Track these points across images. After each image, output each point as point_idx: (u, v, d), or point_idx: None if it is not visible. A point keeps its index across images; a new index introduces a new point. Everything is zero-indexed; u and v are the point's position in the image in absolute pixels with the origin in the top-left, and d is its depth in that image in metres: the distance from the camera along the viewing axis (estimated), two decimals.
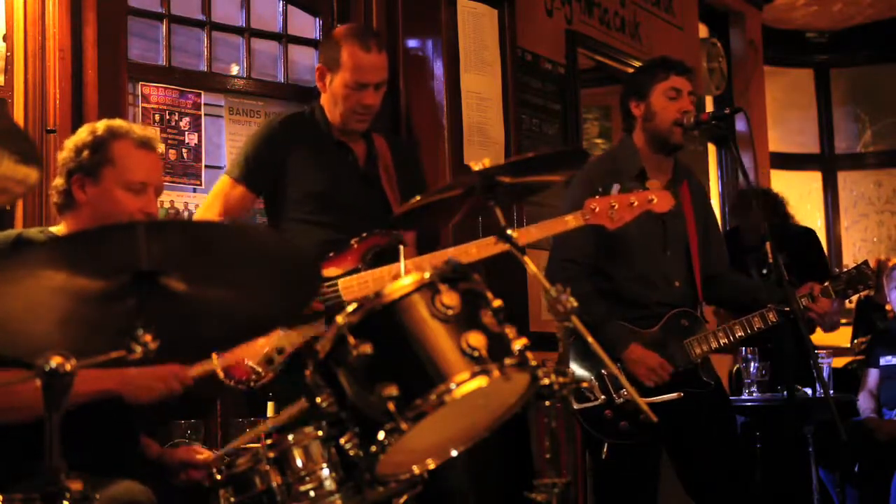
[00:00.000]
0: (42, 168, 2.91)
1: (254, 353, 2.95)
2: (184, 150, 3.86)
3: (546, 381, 1.88)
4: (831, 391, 4.24)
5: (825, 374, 4.42)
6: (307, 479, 1.92)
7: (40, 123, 3.28)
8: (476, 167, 2.10)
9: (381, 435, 1.79)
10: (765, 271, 3.71)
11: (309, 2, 4.31)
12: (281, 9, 4.26)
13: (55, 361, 1.48)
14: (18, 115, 3.24)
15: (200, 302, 1.69)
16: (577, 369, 3.35)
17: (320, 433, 1.93)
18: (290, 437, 1.94)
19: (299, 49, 4.34)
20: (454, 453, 2.01)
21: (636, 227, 3.35)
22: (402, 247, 2.65)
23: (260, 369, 2.94)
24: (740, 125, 6.13)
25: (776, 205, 5.38)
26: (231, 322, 1.80)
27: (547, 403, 1.91)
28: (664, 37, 5.72)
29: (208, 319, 1.76)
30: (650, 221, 3.45)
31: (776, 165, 7.29)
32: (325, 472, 1.92)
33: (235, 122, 4.03)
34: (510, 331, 1.89)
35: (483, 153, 4.08)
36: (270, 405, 2.80)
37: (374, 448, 1.80)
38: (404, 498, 1.97)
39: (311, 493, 1.91)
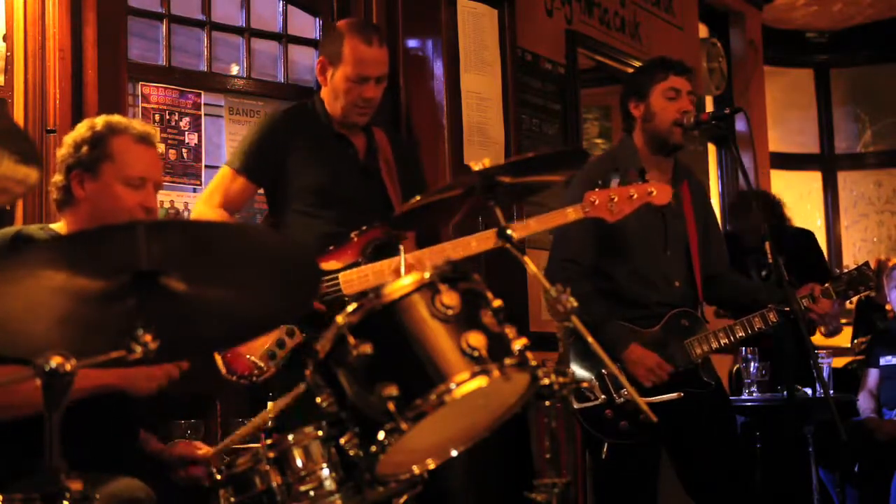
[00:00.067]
0: (42, 168, 2.91)
1: (255, 348, 2.96)
2: (184, 150, 3.86)
3: (546, 381, 1.88)
4: (831, 391, 4.24)
5: (825, 374, 4.42)
6: (307, 479, 1.92)
7: (40, 123, 3.28)
8: (476, 167, 2.10)
9: (381, 435, 1.79)
10: (764, 273, 3.72)
11: (309, 2, 4.31)
12: (281, 9, 4.26)
13: (55, 361, 1.48)
14: (18, 115, 3.24)
15: (200, 302, 1.69)
16: (577, 369, 3.35)
17: (320, 433, 1.93)
18: (290, 437, 1.94)
19: (299, 49, 4.34)
20: (454, 453, 2.01)
21: (636, 226, 3.35)
22: (401, 246, 2.65)
23: (262, 364, 2.95)
24: (740, 125, 6.13)
25: (773, 207, 5.38)
26: (231, 322, 1.80)
27: (547, 403, 1.91)
28: (664, 37, 5.72)
29: (208, 319, 1.76)
30: (650, 221, 3.45)
31: (776, 165, 7.29)
32: (325, 472, 1.92)
33: (235, 122, 4.03)
34: (510, 331, 1.89)
35: (483, 153, 4.08)
36: (270, 404, 2.80)
37: (374, 448, 1.80)
38: (404, 498, 1.97)
39: (311, 493, 1.91)
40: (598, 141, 6.60)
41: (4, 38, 3.28)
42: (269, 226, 3.39)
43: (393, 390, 1.78)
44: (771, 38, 7.24)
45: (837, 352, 5.59)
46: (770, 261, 3.29)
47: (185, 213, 3.85)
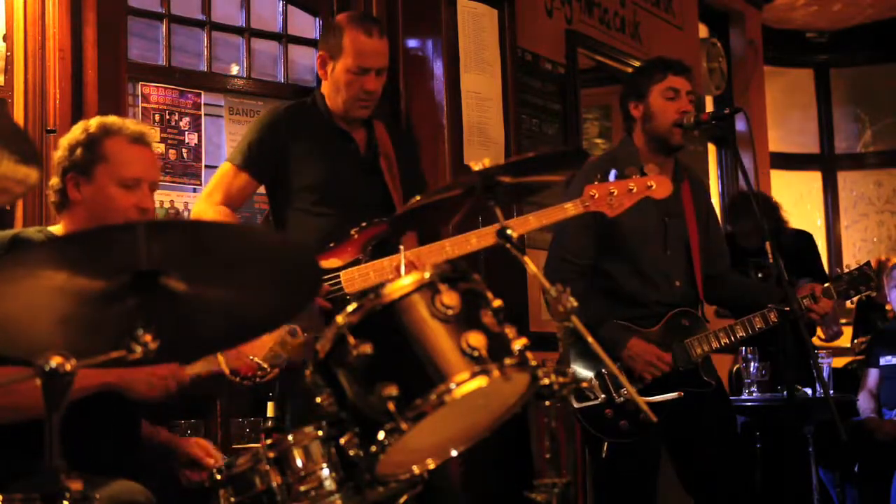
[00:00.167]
0: (42, 168, 2.91)
1: (258, 349, 2.95)
2: (184, 150, 3.86)
3: (546, 381, 1.88)
4: (831, 391, 4.24)
5: (825, 374, 4.42)
6: (307, 479, 1.92)
7: (40, 123, 3.28)
8: (476, 167, 2.10)
9: (381, 435, 1.79)
10: (760, 275, 3.71)
11: (309, 2, 4.32)
12: (281, 9, 4.26)
13: (55, 361, 1.48)
14: (18, 115, 3.24)
15: (200, 302, 1.69)
16: (579, 368, 3.35)
17: (320, 433, 1.93)
18: (290, 437, 1.94)
19: (299, 49, 4.34)
20: (454, 453, 2.01)
21: (636, 225, 3.35)
22: (401, 246, 2.65)
23: (265, 365, 2.94)
24: (740, 125, 6.13)
25: (771, 209, 5.38)
26: (231, 322, 1.80)
27: (547, 403, 1.91)
28: (664, 37, 5.72)
29: (208, 319, 1.76)
30: (651, 221, 3.45)
31: (776, 165, 7.29)
32: (325, 472, 1.92)
33: (235, 122, 4.03)
34: (510, 331, 1.89)
35: (483, 153, 4.09)
36: (270, 405, 2.80)
37: (374, 448, 1.80)
38: (404, 498, 1.97)
39: (311, 493, 1.91)
40: (598, 141, 6.60)
41: (4, 38, 3.28)
42: (269, 222, 3.39)
43: (393, 390, 1.78)
44: (771, 38, 7.24)
45: (837, 352, 5.59)
46: (770, 261, 3.30)
47: (185, 213, 3.85)
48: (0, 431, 2.31)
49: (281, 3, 4.25)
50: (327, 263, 2.99)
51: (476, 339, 1.81)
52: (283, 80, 4.23)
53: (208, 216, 3.15)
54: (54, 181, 2.55)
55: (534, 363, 1.88)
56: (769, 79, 7.20)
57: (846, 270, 3.81)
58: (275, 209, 3.31)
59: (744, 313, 3.54)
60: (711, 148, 6.53)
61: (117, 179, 2.50)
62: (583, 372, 3.35)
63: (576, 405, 3.28)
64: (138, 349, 1.61)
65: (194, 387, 2.61)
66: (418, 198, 2.19)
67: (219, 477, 1.95)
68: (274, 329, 2.78)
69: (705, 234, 3.64)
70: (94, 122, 2.55)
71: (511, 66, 4.47)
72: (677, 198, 3.51)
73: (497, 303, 1.90)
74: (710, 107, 6.48)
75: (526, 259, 2.09)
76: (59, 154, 2.55)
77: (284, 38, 4.25)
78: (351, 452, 1.87)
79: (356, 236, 3.05)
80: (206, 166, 3.90)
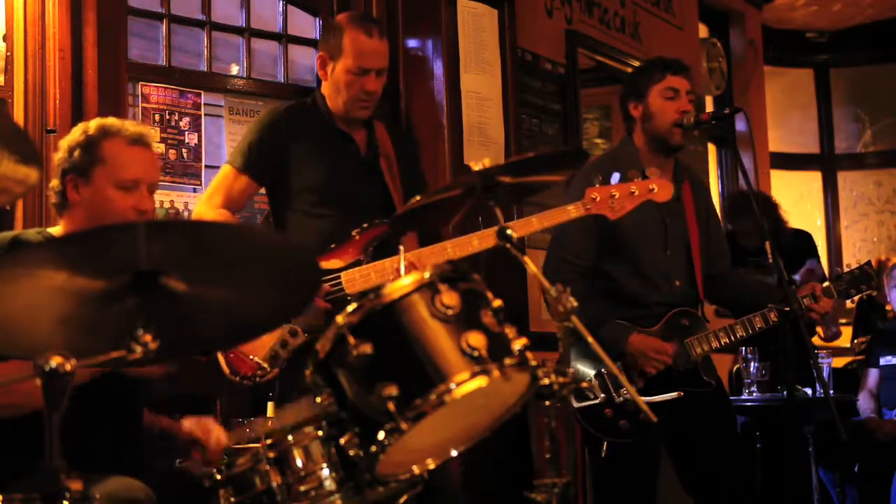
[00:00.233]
0: (42, 168, 2.91)
1: (258, 349, 2.95)
2: (184, 150, 3.86)
3: (546, 381, 1.88)
4: (831, 391, 4.24)
5: (825, 374, 4.42)
6: (307, 479, 1.92)
7: (40, 123, 3.28)
8: (476, 167, 2.10)
9: (381, 435, 1.79)
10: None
11: (309, 2, 4.32)
12: (281, 9, 4.26)
13: (55, 361, 1.48)
14: (18, 115, 3.24)
15: (200, 302, 1.69)
16: (581, 367, 3.35)
17: (320, 433, 1.93)
18: (290, 437, 1.94)
19: (299, 49, 4.34)
20: (454, 453, 2.01)
21: (637, 226, 3.35)
22: (401, 245, 2.65)
23: (265, 364, 2.94)
24: (740, 125, 6.13)
25: (770, 208, 5.38)
26: (231, 322, 1.80)
27: (547, 403, 1.91)
28: (664, 37, 5.72)
29: (208, 319, 1.76)
30: (651, 221, 3.45)
31: (776, 165, 7.29)
32: (325, 472, 1.92)
33: (235, 122, 4.03)
34: (510, 331, 1.89)
35: (483, 153, 4.09)
36: (270, 405, 2.80)
37: (374, 448, 1.80)
38: (404, 498, 1.97)
39: (311, 493, 1.91)
40: (598, 141, 6.60)
41: (4, 38, 3.28)
42: (269, 224, 3.39)
43: (393, 390, 1.78)
44: (771, 38, 7.25)
45: (837, 352, 5.59)
46: (770, 261, 3.30)
47: (186, 213, 3.85)
48: (0, 431, 2.31)
49: (281, 3, 4.25)
50: (328, 264, 2.99)
51: (476, 339, 1.81)
52: (283, 80, 4.24)
53: (208, 219, 3.14)
54: (54, 183, 2.55)
55: (534, 363, 1.88)
56: (769, 79, 7.21)
57: (847, 270, 3.81)
58: (275, 210, 3.31)
59: (744, 313, 3.54)
60: (711, 148, 6.53)
61: (115, 181, 2.50)
62: (586, 371, 3.35)
63: (575, 405, 3.28)
64: (138, 349, 1.61)
65: (192, 385, 2.61)
66: (418, 198, 2.19)
67: (219, 477, 1.95)
68: (274, 329, 2.79)
69: (706, 233, 3.64)
70: (93, 124, 2.56)
71: (511, 66, 4.47)
72: (678, 198, 3.51)
73: (497, 303, 1.90)
74: (710, 107, 6.48)
75: (526, 259, 2.09)
76: (58, 156, 2.56)
77: (284, 38, 4.25)
78: (351, 452, 1.86)
79: (357, 237, 3.05)
80: (206, 166, 3.91)
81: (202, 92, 3.94)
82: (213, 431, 2.65)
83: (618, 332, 3.38)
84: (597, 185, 3.04)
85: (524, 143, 4.52)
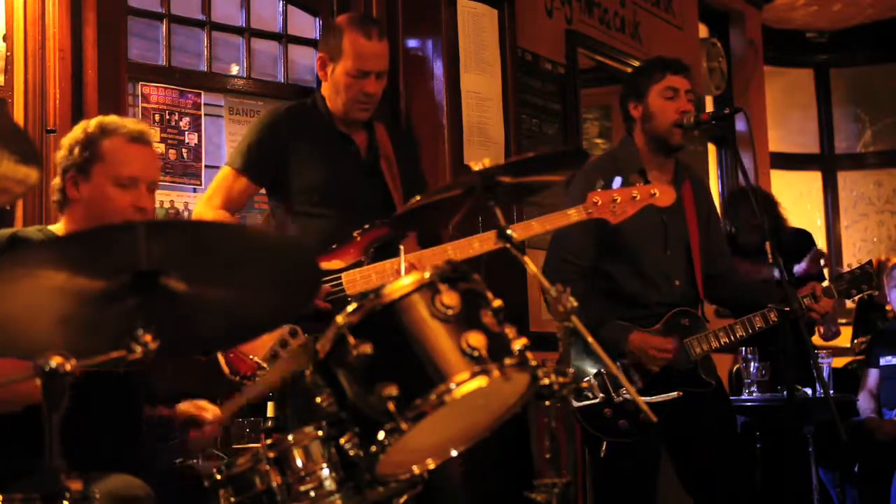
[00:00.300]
0: (42, 168, 2.91)
1: (258, 349, 2.95)
2: (184, 150, 3.86)
3: (546, 381, 1.88)
4: (831, 391, 4.24)
5: (825, 374, 4.42)
6: (307, 479, 1.92)
7: (40, 123, 3.28)
8: (476, 167, 2.10)
9: (381, 435, 1.79)
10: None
11: (309, 2, 4.32)
12: (281, 9, 4.26)
13: (55, 361, 1.48)
14: (18, 115, 3.24)
15: (200, 302, 1.69)
16: (584, 366, 3.35)
17: (320, 433, 1.93)
18: (290, 437, 1.94)
19: (299, 49, 4.34)
20: (454, 453, 2.01)
21: (637, 226, 3.35)
22: (401, 246, 2.64)
23: (265, 364, 2.94)
24: (740, 125, 6.13)
25: (769, 205, 5.37)
26: (231, 322, 1.80)
27: (547, 403, 1.91)
28: (664, 37, 5.73)
29: (208, 319, 1.76)
30: (651, 221, 3.45)
31: (776, 165, 7.29)
32: (325, 472, 1.92)
33: (235, 122, 4.03)
34: (510, 331, 1.89)
35: (483, 153, 4.09)
36: (270, 404, 2.80)
37: (374, 448, 1.80)
38: (404, 498, 1.97)
39: (311, 493, 1.91)
40: (598, 141, 6.60)
41: (4, 38, 3.29)
42: (269, 225, 3.39)
43: (393, 390, 1.78)
44: (771, 38, 7.25)
45: (837, 352, 5.59)
46: (771, 260, 3.30)
47: (186, 214, 3.85)
48: (0, 431, 2.31)
49: (281, 3, 4.26)
50: (329, 265, 2.99)
51: (476, 339, 1.81)
52: (283, 80, 4.24)
53: (208, 219, 3.14)
54: (56, 181, 2.56)
55: (534, 363, 1.88)
56: (769, 79, 7.21)
57: (848, 269, 3.81)
58: (275, 211, 3.30)
59: (744, 313, 3.54)
60: (711, 148, 6.54)
61: (113, 178, 2.50)
62: (589, 369, 3.35)
63: (574, 405, 3.28)
64: (138, 349, 1.61)
65: (193, 385, 2.62)
66: (418, 198, 2.19)
67: (219, 477, 1.95)
68: (274, 329, 2.79)
69: (706, 233, 3.64)
70: (93, 122, 2.56)
71: (511, 66, 4.47)
72: (678, 198, 3.51)
73: (497, 303, 1.90)
74: (710, 107, 6.48)
75: (526, 259, 2.09)
76: (60, 154, 2.57)
77: (284, 38, 4.25)
78: (351, 452, 1.87)
79: (358, 238, 3.05)
80: (206, 166, 3.91)
81: (202, 92, 3.94)
82: (208, 408, 2.65)
83: (618, 332, 3.38)
84: (599, 190, 3.04)
85: (524, 143, 4.52)
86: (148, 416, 2.66)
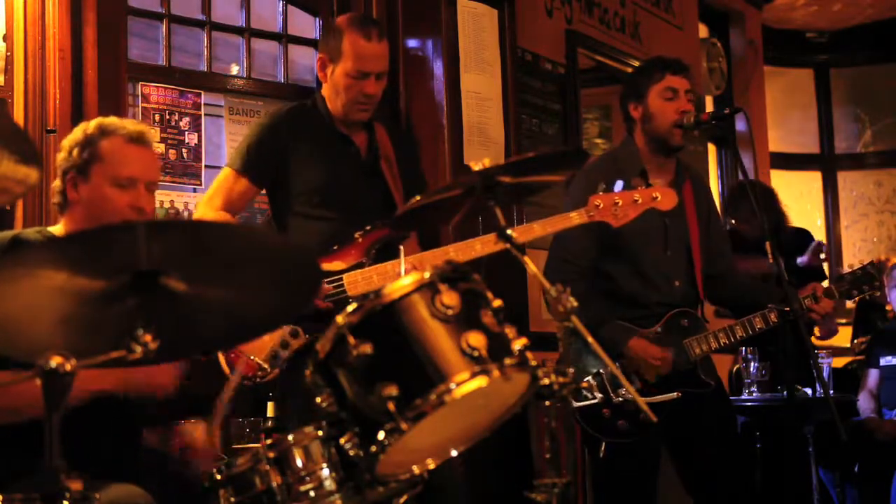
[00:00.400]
0: (42, 168, 2.92)
1: (259, 349, 2.95)
2: (184, 150, 3.86)
3: (546, 381, 1.88)
4: (831, 391, 4.24)
5: (825, 374, 4.42)
6: (307, 479, 1.92)
7: (40, 123, 3.28)
8: (476, 167, 2.10)
9: (381, 435, 1.79)
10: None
11: (309, 2, 4.32)
12: (281, 9, 4.26)
13: (55, 361, 1.48)
14: (18, 115, 3.24)
15: (200, 302, 1.69)
16: (585, 364, 3.35)
17: (320, 433, 1.93)
18: (290, 437, 1.94)
19: (299, 49, 4.34)
20: (454, 453, 2.01)
21: (637, 226, 3.35)
22: (401, 246, 2.64)
23: (266, 365, 2.94)
24: (740, 125, 6.13)
25: (768, 199, 5.37)
26: (231, 322, 1.80)
27: (547, 403, 1.91)
28: (664, 37, 5.72)
29: (208, 319, 1.76)
30: (651, 221, 3.45)
31: (776, 165, 7.29)
32: (325, 472, 1.92)
33: (235, 122, 4.03)
34: (510, 331, 1.89)
35: (483, 153, 4.09)
36: (270, 405, 2.80)
37: (374, 448, 1.80)
38: (404, 498, 1.97)
39: (311, 493, 1.91)
40: (598, 141, 6.60)
41: (4, 38, 3.28)
42: (270, 226, 3.39)
43: (393, 390, 1.78)
44: (771, 38, 7.24)
45: (837, 352, 5.59)
46: (771, 260, 3.30)
47: (185, 213, 3.85)
48: (0, 431, 2.31)
49: (281, 3, 4.25)
50: (331, 266, 2.99)
51: (476, 339, 1.81)
52: (283, 80, 4.24)
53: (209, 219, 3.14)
54: (56, 182, 2.56)
55: (534, 363, 1.88)
56: (769, 79, 7.21)
57: (849, 270, 3.81)
58: (275, 212, 3.30)
59: (744, 313, 3.54)
60: (711, 148, 6.54)
61: (112, 178, 2.50)
62: (591, 369, 3.35)
63: (574, 405, 3.27)
64: (138, 349, 1.61)
65: (193, 386, 2.61)
66: (418, 198, 2.19)
67: (219, 477, 1.95)
68: (274, 329, 2.79)
69: (706, 233, 3.64)
70: (92, 124, 2.57)
71: (511, 66, 4.47)
72: (679, 198, 3.51)
73: (497, 303, 1.90)
74: (710, 107, 6.48)
75: (526, 259, 2.09)
76: (60, 156, 2.57)
77: (284, 38, 4.25)
78: (351, 452, 1.87)
79: (360, 239, 3.05)
80: (206, 166, 3.91)
81: (202, 92, 3.94)
82: (203, 434, 2.65)
83: (618, 333, 3.38)
84: (600, 193, 3.05)
85: (524, 143, 4.52)
86: (146, 442, 2.66)
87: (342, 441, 1.88)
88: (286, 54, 4.25)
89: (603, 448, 3.32)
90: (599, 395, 3.30)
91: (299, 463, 1.92)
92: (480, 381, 1.79)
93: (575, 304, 1.96)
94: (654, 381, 3.35)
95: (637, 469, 3.42)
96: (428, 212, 2.30)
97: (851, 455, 4.86)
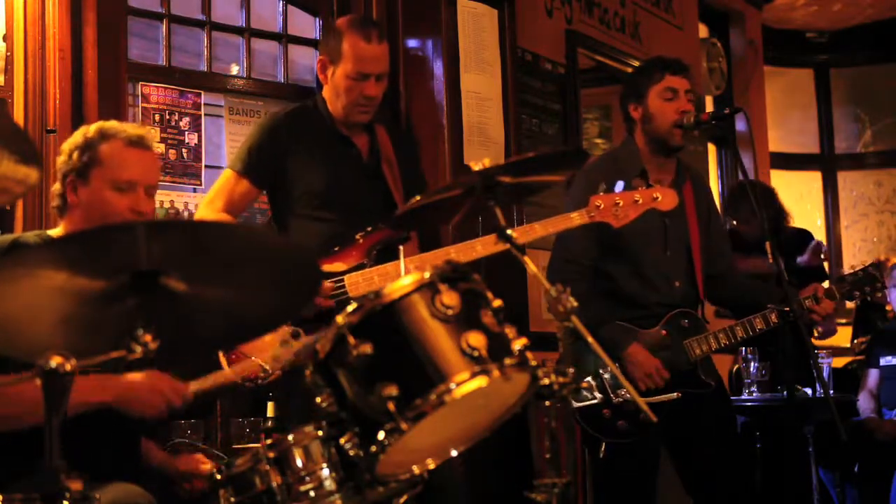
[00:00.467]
0: (42, 168, 2.91)
1: (261, 350, 2.95)
2: (184, 150, 3.86)
3: (546, 381, 1.88)
4: (831, 391, 4.24)
5: (825, 374, 4.42)
6: (307, 479, 1.92)
7: (40, 123, 3.28)
8: (476, 167, 2.10)
9: (381, 435, 1.79)
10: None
11: (309, 2, 4.31)
12: (281, 9, 4.26)
13: (55, 361, 1.48)
14: (18, 115, 3.24)
15: (200, 302, 1.69)
16: (586, 362, 3.35)
17: (320, 433, 1.93)
18: (290, 437, 1.94)
19: (299, 49, 4.34)
20: (454, 453, 2.01)
21: (637, 227, 3.35)
22: (401, 246, 2.65)
23: (268, 367, 2.94)
24: (740, 125, 6.13)
25: (768, 198, 5.36)
26: (231, 322, 1.80)
27: (547, 403, 1.91)
28: (664, 37, 5.72)
29: (208, 319, 1.76)
30: (651, 222, 3.45)
31: (776, 165, 7.29)
32: (325, 472, 1.92)
33: (235, 122, 4.03)
34: (510, 331, 1.89)
35: (483, 153, 4.08)
36: (270, 405, 2.80)
37: (374, 448, 1.80)
38: (404, 498, 1.97)
39: (311, 493, 1.91)
40: (598, 141, 6.60)
41: (4, 38, 3.28)
42: (271, 227, 3.39)
43: (393, 390, 1.78)
44: (771, 38, 7.24)
45: (837, 352, 5.59)
46: (771, 260, 3.30)
47: (185, 214, 3.85)
48: (1, 433, 2.31)
49: (281, 3, 4.25)
50: (332, 267, 3.00)
51: (476, 339, 1.81)
52: (283, 80, 4.23)
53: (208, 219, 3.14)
54: (56, 186, 2.57)
55: (534, 363, 1.88)
56: (769, 79, 7.21)
57: (851, 271, 3.80)
58: (276, 214, 3.31)
59: (744, 313, 3.54)
60: (711, 148, 6.53)
61: (111, 182, 2.50)
62: (591, 368, 3.35)
63: (574, 405, 3.28)
64: (138, 349, 1.61)
65: (198, 399, 2.61)
66: (418, 198, 2.19)
67: (219, 477, 1.95)
68: (274, 329, 2.79)
69: (706, 233, 3.64)
70: (93, 127, 2.57)
71: (511, 66, 4.47)
72: (680, 198, 3.51)
73: (497, 303, 1.90)
74: (710, 107, 6.48)
75: (526, 259, 2.09)
76: (60, 159, 2.58)
77: (284, 38, 4.25)
78: (351, 452, 1.87)
79: (361, 241, 3.06)
80: (206, 166, 3.91)
81: (202, 92, 3.93)
82: (206, 463, 2.65)
83: (618, 334, 3.38)
84: (601, 193, 3.05)
85: (524, 143, 4.52)
86: (144, 458, 2.66)
87: (342, 441, 1.88)
88: (286, 54, 4.25)
89: (603, 448, 3.32)
90: (599, 396, 3.30)
91: (299, 463, 1.92)
92: (480, 381, 1.79)
93: (575, 304, 1.96)
94: (644, 391, 3.34)
95: (637, 469, 3.42)
96: (428, 212, 2.30)
97: (851, 455, 4.86)
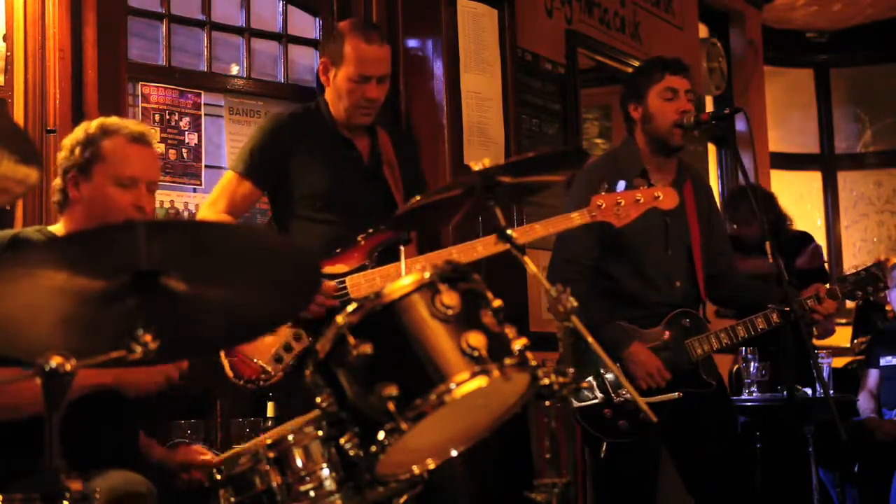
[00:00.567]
0: (42, 168, 2.91)
1: (262, 352, 2.95)
2: (184, 150, 3.86)
3: (546, 381, 1.88)
4: (831, 391, 4.24)
5: (825, 374, 4.42)
6: (307, 479, 1.92)
7: (40, 123, 3.28)
8: (476, 167, 2.10)
9: (381, 435, 1.79)
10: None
11: (309, 2, 4.31)
12: (281, 9, 4.26)
13: (55, 361, 1.48)
14: (18, 115, 3.24)
15: (200, 302, 1.69)
16: (587, 362, 3.35)
17: (320, 433, 1.93)
18: (290, 437, 1.94)
19: (299, 49, 4.34)
20: (454, 453, 2.01)
21: (638, 226, 3.35)
22: (402, 247, 2.65)
23: (269, 368, 2.94)
24: (740, 125, 6.13)
25: (768, 201, 5.37)
26: (231, 322, 1.80)
27: (547, 403, 1.91)
28: (664, 37, 5.72)
29: (208, 319, 1.76)
30: (652, 221, 3.45)
31: (776, 165, 7.29)
32: (325, 472, 1.92)
33: (235, 122, 4.03)
34: (510, 331, 1.89)
35: (483, 153, 4.08)
36: (270, 405, 2.80)
37: (374, 448, 1.80)
38: (404, 498, 1.97)
39: (311, 493, 1.91)
40: (598, 141, 6.60)
41: (4, 38, 3.28)
42: (272, 228, 3.39)
43: (393, 390, 1.78)
44: (771, 38, 7.24)
45: (837, 352, 5.59)
46: (771, 260, 3.30)
47: (185, 213, 3.85)
48: (1, 431, 2.31)
49: (281, 3, 4.25)
50: (334, 269, 3.00)
51: (476, 339, 1.81)
52: (283, 80, 4.23)
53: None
54: (56, 182, 2.58)
55: (534, 363, 1.88)
56: (769, 79, 7.20)
57: (853, 271, 3.80)
58: (277, 215, 3.31)
59: (746, 313, 3.54)
60: (711, 148, 6.53)
61: (114, 178, 2.51)
62: (591, 368, 3.35)
63: (574, 405, 3.28)
64: (138, 349, 1.61)
65: (193, 386, 2.61)
66: (418, 198, 2.19)
67: (219, 477, 1.95)
68: (273, 329, 2.79)
69: (707, 233, 3.64)
70: (94, 123, 2.58)
71: (511, 66, 4.47)
72: (680, 197, 3.51)
73: (497, 303, 1.90)
74: (710, 107, 6.48)
75: (526, 259, 2.09)
76: (61, 154, 2.58)
77: (284, 38, 4.25)
78: (351, 452, 1.87)
79: (362, 242, 3.06)
80: (206, 166, 3.91)
81: (202, 92, 3.93)
82: (205, 454, 2.65)
83: (619, 334, 3.38)
84: (602, 193, 3.05)
85: (524, 143, 4.52)
86: (143, 454, 2.66)
87: (342, 441, 1.88)
88: (286, 54, 4.25)
89: (604, 448, 3.32)
90: (601, 395, 3.31)
91: (299, 463, 1.92)
92: (480, 381, 1.79)
93: (575, 304, 1.96)
94: (645, 390, 3.34)
95: (637, 469, 3.42)
96: (428, 212, 2.30)
97: (851, 455, 4.86)
